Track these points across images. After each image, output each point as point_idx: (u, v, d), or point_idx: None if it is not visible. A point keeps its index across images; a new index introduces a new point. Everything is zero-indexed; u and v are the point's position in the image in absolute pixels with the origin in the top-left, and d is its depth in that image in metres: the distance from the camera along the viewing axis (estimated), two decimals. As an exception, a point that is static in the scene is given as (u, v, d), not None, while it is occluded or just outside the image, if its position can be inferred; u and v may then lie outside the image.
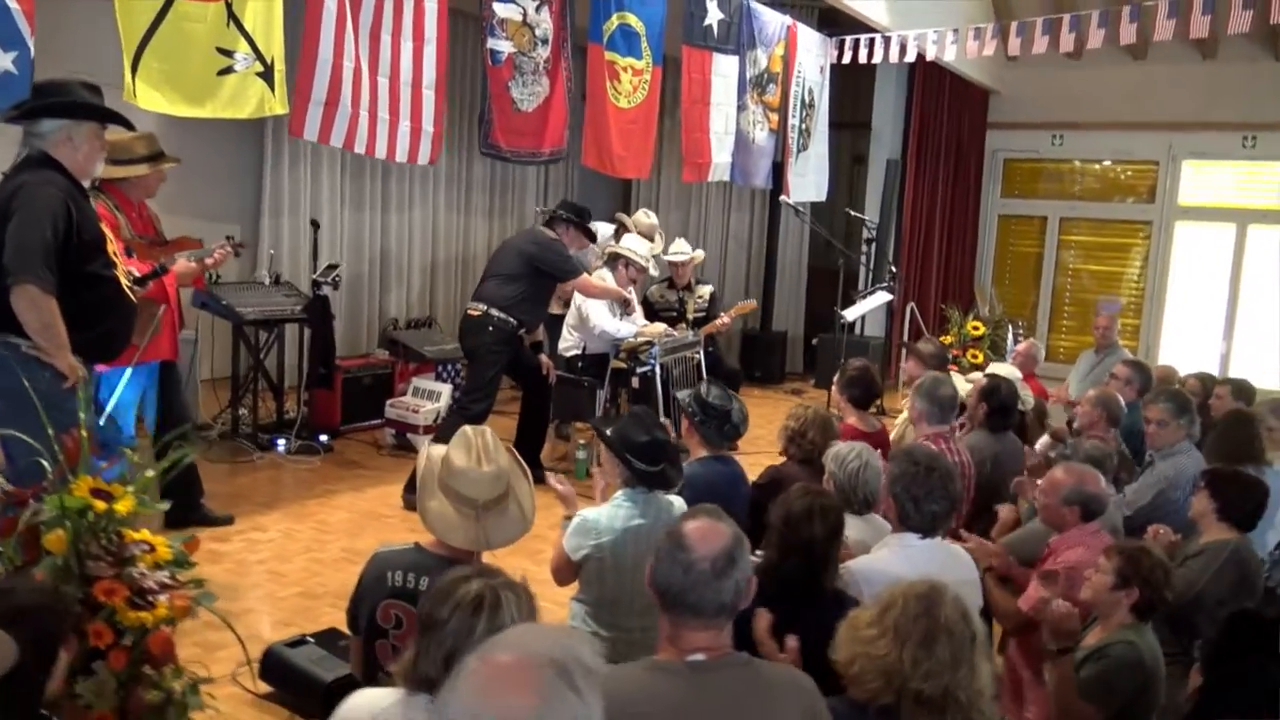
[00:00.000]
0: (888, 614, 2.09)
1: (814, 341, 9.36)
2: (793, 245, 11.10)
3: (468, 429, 2.72)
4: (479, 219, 9.31)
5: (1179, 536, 3.57)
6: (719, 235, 10.88)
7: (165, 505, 2.66)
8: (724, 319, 7.34)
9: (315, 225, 6.82)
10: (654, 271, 7.07)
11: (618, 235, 7.22)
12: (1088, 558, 2.96)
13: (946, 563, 2.86)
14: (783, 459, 4.03)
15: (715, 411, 3.71)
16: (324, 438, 6.38)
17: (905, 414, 4.84)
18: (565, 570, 3.13)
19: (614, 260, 6.63)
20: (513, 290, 5.63)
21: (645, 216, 7.43)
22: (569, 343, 6.58)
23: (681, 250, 7.56)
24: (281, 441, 6.16)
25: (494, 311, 5.55)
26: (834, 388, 4.64)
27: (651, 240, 7.22)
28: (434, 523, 2.56)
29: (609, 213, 7.81)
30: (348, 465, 6.08)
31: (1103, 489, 3.33)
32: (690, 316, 7.42)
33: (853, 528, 3.27)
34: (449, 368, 7.46)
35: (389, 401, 6.85)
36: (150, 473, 2.52)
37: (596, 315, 6.35)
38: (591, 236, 6.21)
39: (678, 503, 3.18)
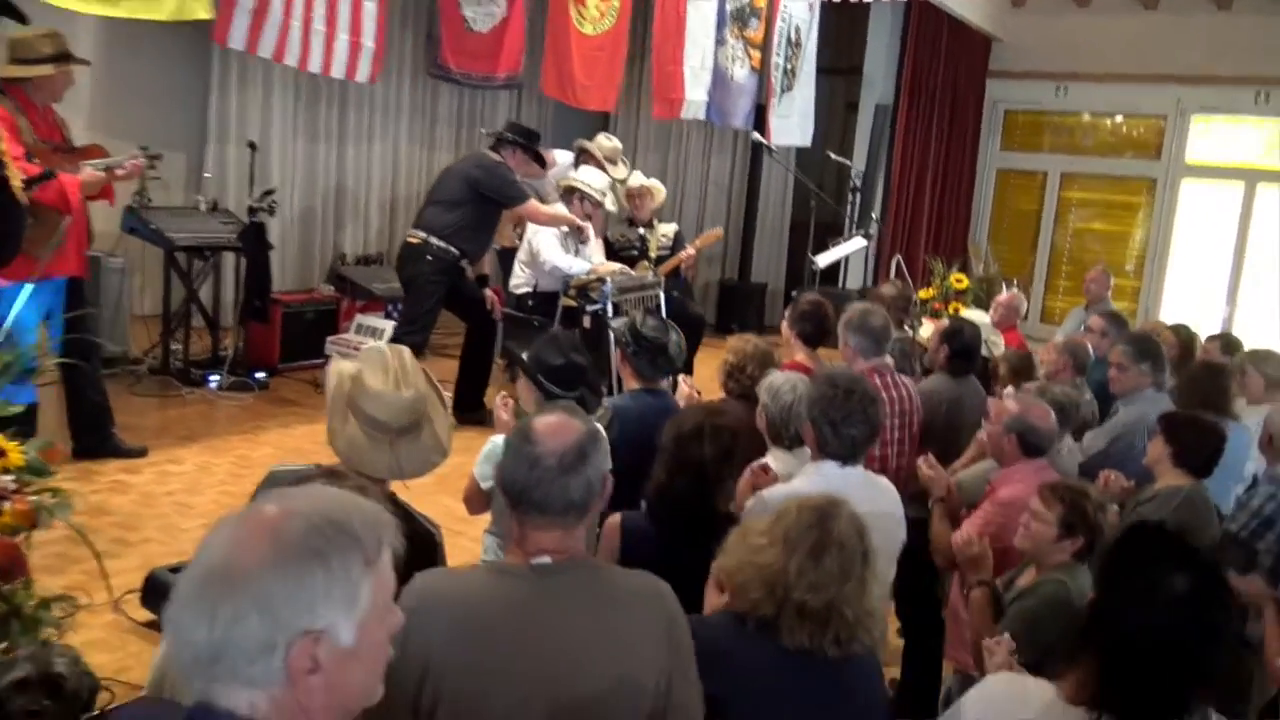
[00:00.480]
0: (779, 523, 2.10)
1: (794, 294, 9.38)
2: (776, 194, 10.98)
3: (384, 347, 2.68)
4: (443, 154, 9.06)
5: (1132, 483, 3.57)
6: (698, 179, 10.73)
7: (18, 407, 2.58)
8: (688, 250, 7.14)
9: (252, 147, 6.70)
10: (611, 206, 6.87)
11: (578, 163, 7.09)
12: (1026, 494, 2.88)
13: (866, 493, 2.80)
14: (722, 395, 4.07)
15: (649, 343, 3.72)
16: (260, 374, 6.28)
17: None
18: (476, 499, 3.11)
19: (569, 194, 6.47)
20: (454, 217, 5.71)
21: (606, 140, 7.29)
22: (520, 279, 6.47)
23: (636, 179, 7.53)
24: (215, 377, 6.05)
25: (433, 240, 5.64)
26: (784, 322, 4.56)
27: (615, 164, 7.09)
28: (344, 447, 2.50)
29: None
30: (281, 403, 6.02)
31: (1049, 425, 3.34)
32: (653, 255, 7.25)
33: (781, 461, 3.23)
34: (398, 306, 7.36)
35: (330, 339, 6.72)
36: (-4, 369, 2.84)
37: (547, 249, 6.20)
38: (540, 161, 6.13)
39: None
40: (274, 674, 1.11)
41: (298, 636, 1.12)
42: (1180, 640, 1.66)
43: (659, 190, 7.42)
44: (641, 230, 7.19)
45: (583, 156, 7.17)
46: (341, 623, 1.14)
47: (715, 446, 2.65)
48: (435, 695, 1.72)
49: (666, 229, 7.48)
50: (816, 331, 4.47)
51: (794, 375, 3.45)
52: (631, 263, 7.02)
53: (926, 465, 3.51)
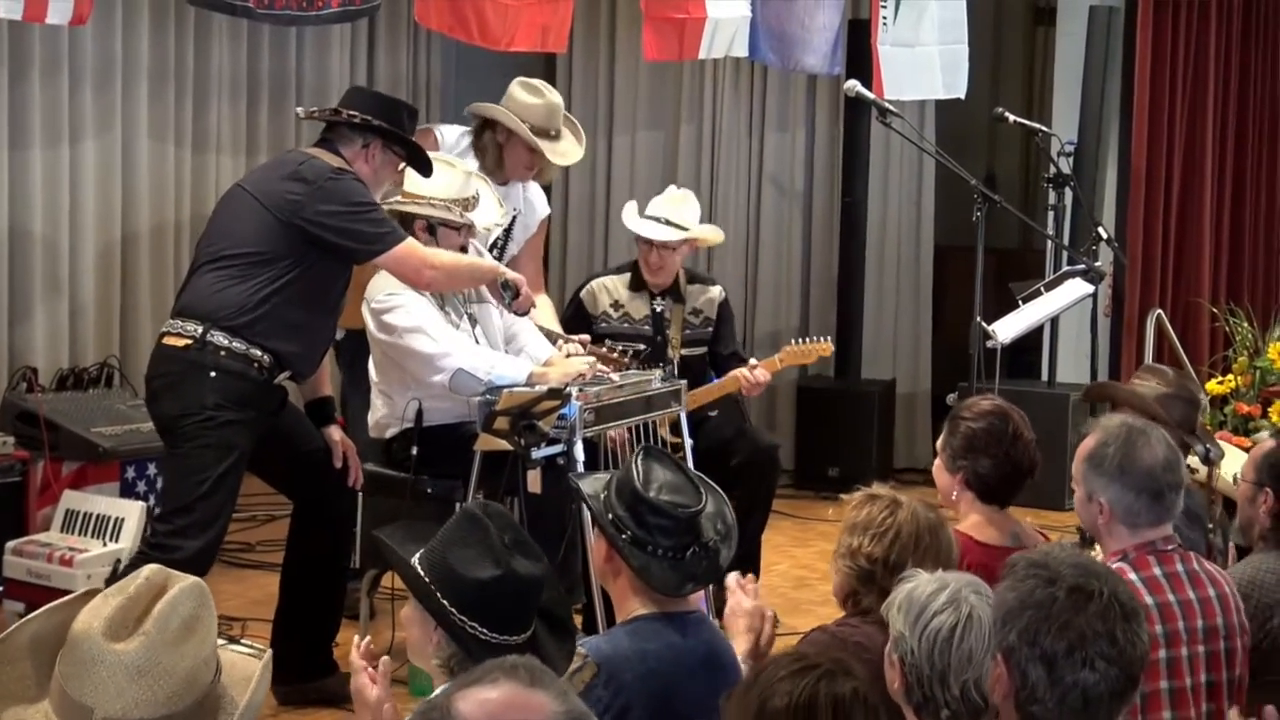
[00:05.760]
0: None
1: (948, 400, 8.49)
2: (899, 199, 10.57)
3: (128, 583, 2.76)
4: (224, 160, 8.78)
5: None
6: (740, 179, 10.40)
7: None
8: (752, 374, 7.05)
9: None
10: (492, 218, 6.64)
11: (479, 154, 6.98)
12: None
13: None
14: (844, 618, 4.05)
15: (660, 520, 3.80)
16: None
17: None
18: None
19: (405, 221, 6.18)
20: (254, 289, 5.68)
21: (526, 94, 7.07)
22: (385, 412, 6.32)
23: (666, 214, 7.20)
24: None
25: (216, 336, 5.61)
26: (938, 457, 4.70)
27: (552, 136, 7.05)
28: None
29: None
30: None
31: None
32: (675, 351, 7.25)
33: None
34: (145, 469, 7.19)
35: (12, 544, 6.56)
36: None
37: (422, 334, 6.06)
38: (422, 161, 6.08)
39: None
40: None
41: None
42: None
43: (708, 237, 7.54)
44: (658, 303, 7.32)
45: (487, 133, 7.04)
46: None
47: None
48: None
49: (706, 296, 7.44)
50: (1004, 472, 4.57)
51: (955, 577, 3.49)
52: (634, 363, 6.84)
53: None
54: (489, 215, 6.54)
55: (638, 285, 7.29)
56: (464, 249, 6.33)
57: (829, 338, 7.79)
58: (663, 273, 7.24)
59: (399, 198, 6.36)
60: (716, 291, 7.51)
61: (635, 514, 3.80)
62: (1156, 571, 4.02)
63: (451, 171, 6.44)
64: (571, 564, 5.83)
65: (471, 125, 7.18)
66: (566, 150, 7.22)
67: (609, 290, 7.34)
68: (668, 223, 7.16)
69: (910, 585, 3.45)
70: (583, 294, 7.40)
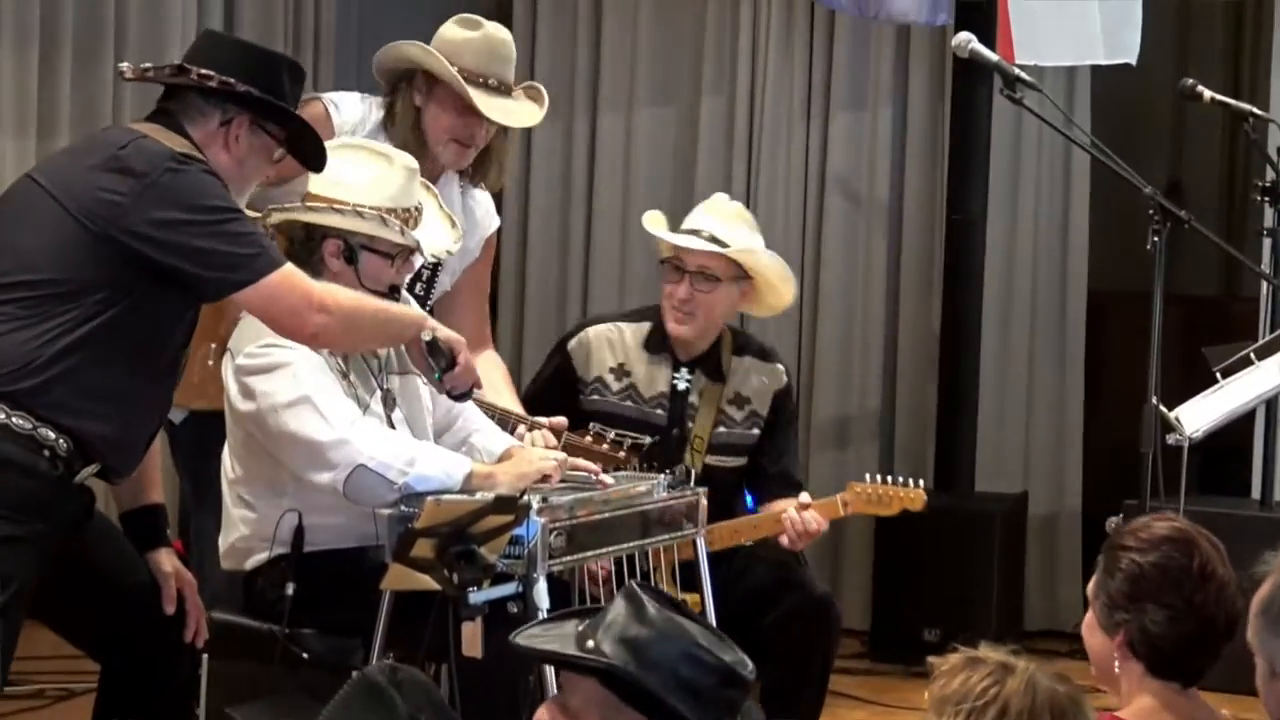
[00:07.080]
0: None
1: (1109, 526, 8.45)
2: (1036, 221, 10.91)
3: None
4: (5, 138, 9.07)
5: None
6: (791, 179, 10.48)
7: None
8: (801, 517, 7.27)
9: None
10: (443, 244, 6.72)
11: (391, 128, 7.11)
12: None
13: None
14: None
15: (738, 688, 3.99)
16: None
17: None
18: None
19: (309, 240, 6.32)
20: (49, 336, 5.73)
21: (456, 26, 7.24)
22: (245, 530, 6.38)
23: (707, 226, 7.55)
24: None
25: None
26: (1089, 609, 4.72)
27: (493, 87, 7.19)
28: None
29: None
30: None
31: None
32: (697, 456, 7.44)
33: None
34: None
35: None
36: None
37: (309, 409, 6.16)
38: (304, 144, 5.96)
39: None
40: None
41: None
42: None
43: (760, 268, 7.50)
44: (682, 376, 7.62)
45: (401, 93, 7.43)
46: None
47: None
48: None
49: (758, 378, 7.72)
50: (1191, 630, 4.57)
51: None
52: (639, 462, 6.94)
53: None
54: (439, 238, 6.55)
55: (658, 344, 7.48)
56: (395, 289, 6.26)
57: (922, 484, 7.72)
58: (693, 320, 7.33)
59: (301, 200, 6.24)
60: (777, 374, 7.68)
61: (697, 690, 4.02)
62: None
63: (385, 167, 6.41)
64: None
65: (382, 92, 7.17)
66: (514, 109, 7.20)
67: (614, 345, 7.56)
68: (712, 239, 7.37)
69: None
70: (571, 346, 7.46)
